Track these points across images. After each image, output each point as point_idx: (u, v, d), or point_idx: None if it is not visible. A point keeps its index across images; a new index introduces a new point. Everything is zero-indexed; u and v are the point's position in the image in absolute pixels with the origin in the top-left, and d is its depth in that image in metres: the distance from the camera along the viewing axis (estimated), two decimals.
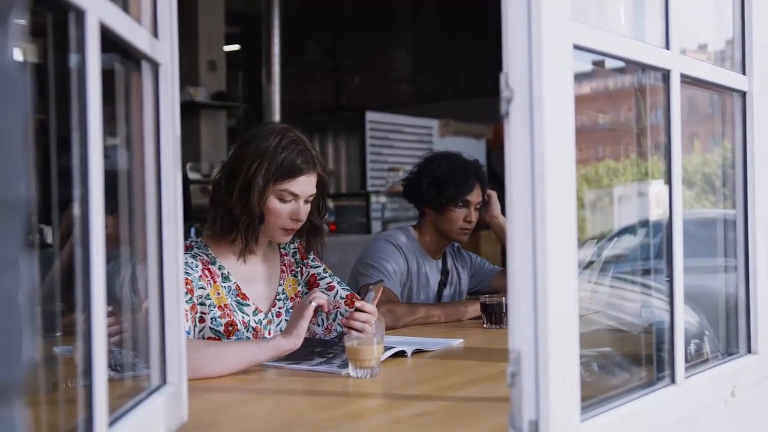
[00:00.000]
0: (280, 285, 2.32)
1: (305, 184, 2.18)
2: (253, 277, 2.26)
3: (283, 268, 2.35)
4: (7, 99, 0.56)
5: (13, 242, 0.57)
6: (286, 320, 2.29)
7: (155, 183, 1.36)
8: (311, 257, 2.40)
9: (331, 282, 2.37)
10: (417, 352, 2.17)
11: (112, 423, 1.09)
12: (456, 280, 3.17)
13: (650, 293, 1.85)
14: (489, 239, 6.61)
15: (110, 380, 1.07)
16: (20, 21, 0.61)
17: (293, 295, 2.34)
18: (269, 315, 2.26)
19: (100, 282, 1.01)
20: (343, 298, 2.33)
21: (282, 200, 2.16)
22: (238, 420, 1.60)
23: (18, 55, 0.59)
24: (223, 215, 2.18)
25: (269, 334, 2.23)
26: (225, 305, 2.16)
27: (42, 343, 1.19)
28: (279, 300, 2.31)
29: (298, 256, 2.39)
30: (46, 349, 1.61)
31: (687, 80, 1.57)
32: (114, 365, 1.32)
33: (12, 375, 0.57)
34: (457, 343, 2.33)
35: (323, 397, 1.72)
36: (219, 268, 2.20)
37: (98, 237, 1.01)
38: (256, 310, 2.22)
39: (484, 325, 2.65)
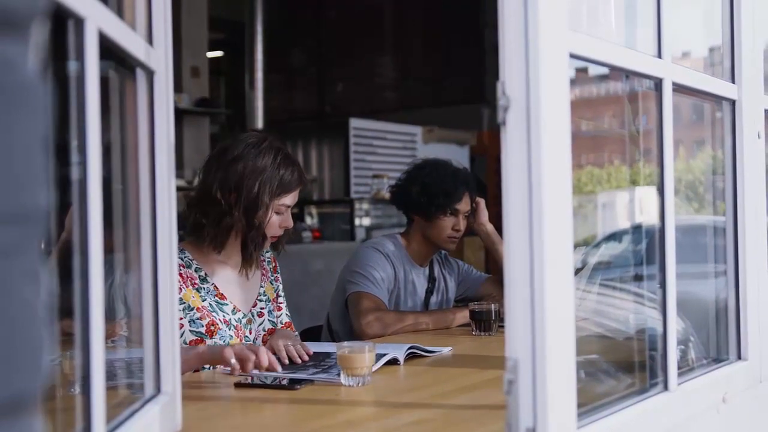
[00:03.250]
0: (262, 287, 2.40)
1: (296, 196, 2.32)
2: (233, 279, 2.33)
3: (263, 272, 2.44)
4: (29, 110, 0.56)
5: (34, 253, 0.57)
6: (269, 320, 2.38)
7: (149, 190, 1.35)
8: (278, 272, 2.52)
9: (282, 303, 2.49)
10: (411, 356, 2.17)
11: None
12: (443, 287, 3.17)
13: (638, 300, 1.86)
14: (473, 246, 6.62)
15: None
16: (40, 31, 0.60)
17: (272, 299, 2.44)
18: (249, 315, 2.33)
19: (98, 290, 1.00)
20: (282, 323, 2.43)
21: (277, 213, 2.27)
22: (230, 429, 1.59)
23: (37, 65, 0.59)
24: (225, 231, 2.23)
25: (250, 333, 2.32)
26: (203, 307, 2.22)
27: None
28: (261, 300, 2.39)
29: (271, 266, 2.49)
30: None
31: (678, 88, 1.58)
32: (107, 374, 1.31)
33: (32, 386, 0.56)
34: (446, 350, 2.33)
35: (316, 405, 1.71)
36: (196, 271, 2.26)
37: (96, 244, 1.00)
38: (234, 309, 2.28)
39: (473, 333, 2.65)
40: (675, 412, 1.53)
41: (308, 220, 7.47)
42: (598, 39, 1.35)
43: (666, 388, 1.51)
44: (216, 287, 2.27)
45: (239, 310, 2.30)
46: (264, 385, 1.85)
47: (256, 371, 1.97)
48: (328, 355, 2.17)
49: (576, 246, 2.17)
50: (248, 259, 2.29)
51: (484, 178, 7.59)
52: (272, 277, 2.47)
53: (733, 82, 1.82)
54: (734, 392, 1.73)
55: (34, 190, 0.57)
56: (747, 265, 1.82)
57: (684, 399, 1.55)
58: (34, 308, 0.56)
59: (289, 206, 2.29)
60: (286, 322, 2.44)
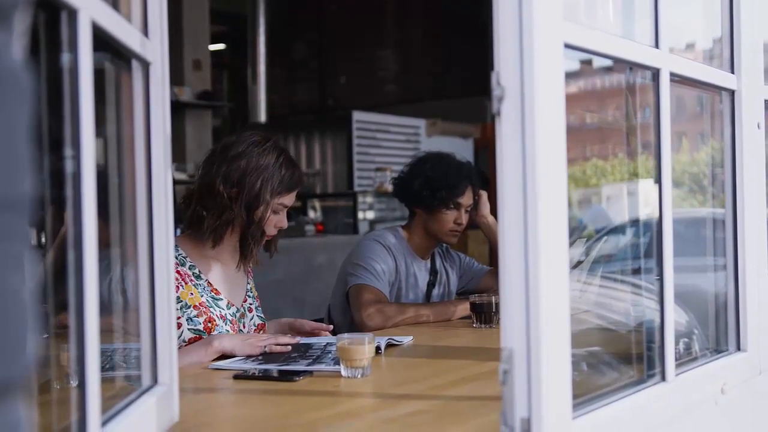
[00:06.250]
0: (248, 283, 2.46)
1: (294, 197, 2.36)
2: (223, 274, 2.36)
3: (249, 270, 2.48)
4: (12, 99, 0.56)
5: (18, 240, 0.58)
6: (258, 316, 2.43)
7: (146, 183, 1.35)
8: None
9: (257, 304, 2.49)
10: (389, 346, 2.22)
11: (104, 423, 1.09)
12: (445, 280, 3.17)
13: (639, 292, 1.86)
14: (477, 239, 6.62)
15: (101, 380, 1.06)
16: (23, 19, 0.61)
17: (256, 296, 2.49)
18: (242, 309, 2.38)
19: (92, 282, 1.00)
20: (255, 326, 2.43)
21: (274, 212, 2.31)
22: (228, 420, 1.60)
23: (21, 54, 0.59)
24: (224, 225, 2.26)
25: (243, 327, 2.36)
26: (200, 303, 2.25)
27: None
28: (249, 297, 2.44)
29: (251, 266, 2.51)
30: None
31: (676, 79, 1.57)
32: (104, 366, 1.31)
33: (17, 372, 0.57)
34: (408, 339, 2.35)
35: (314, 397, 1.72)
36: (189, 268, 2.28)
37: (90, 237, 1.00)
38: (228, 303, 2.32)
39: (474, 325, 2.65)
40: (672, 402, 1.53)
41: (311, 214, 7.48)
42: (593, 29, 1.35)
43: (663, 378, 1.51)
44: (210, 283, 2.30)
45: (233, 305, 2.34)
46: (262, 377, 1.86)
47: (251, 365, 1.98)
48: (309, 346, 2.19)
49: (580, 238, 2.17)
50: (247, 255, 2.32)
51: (488, 171, 7.58)
52: (252, 276, 2.52)
53: (733, 72, 1.81)
54: (733, 383, 1.73)
55: (18, 178, 0.57)
56: (746, 256, 1.82)
57: (681, 390, 1.55)
58: (19, 295, 0.57)
59: (286, 206, 2.33)
60: (259, 324, 2.45)
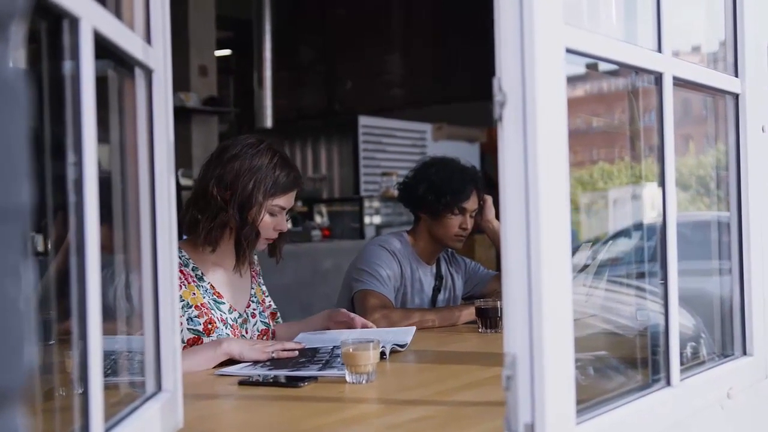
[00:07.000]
0: (252, 288, 2.45)
1: (292, 198, 2.34)
2: (226, 279, 2.36)
3: (253, 274, 2.48)
4: (9, 107, 0.56)
5: (15, 248, 0.58)
6: (261, 321, 2.43)
7: (149, 190, 1.35)
8: (260, 276, 2.55)
9: (268, 298, 2.52)
10: (394, 351, 2.21)
11: (107, 430, 1.09)
12: (450, 285, 3.16)
13: (645, 296, 1.85)
14: (484, 243, 6.61)
15: (105, 387, 1.06)
16: (20, 29, 0.61)
17: (261, 301, 2.47)
18: (244, 314, 2.37)
19: (95, 289, 1.01)
20: (258, 332, 2.43)
21: (271, 214, 2.30)
22: (233, 427, 1.59)
23: (18, 63, 0.60)
24: (219, 227, 2.26)
25: (246, 332, 2.36)
26: (202, 304, 2.25)
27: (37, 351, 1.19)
28: (253, 302, 2.43)
29: (258, 269, 2.53)
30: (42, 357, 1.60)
31: (679, 83, 1.57)
32: (107, 371, 1.31)
33: (14, 381, 0.57)
34: (411, 332, 2.37)
35: (319, 402, 1.72)
36: (192, 270, 2.29)
37: (93, 245, 1.01)
38: (230, 308, 2.32)
39: (479, 330, 2.65)
40: (678, 407, 1.52)
41: (318, 219, 7.48)
42: (595, 33, 1.35)
43: (668, 383, 1.51)
44: (212, 286, 2.30)
45: (235, 310, 2.34)
46: (267, 383, 1.86)
47: (259, 371, 1.97)
48: (316, 350, 2.19)
49: (586, 242, 2.16)
50: (242, 257, 2.31)
51: (494, 175, 7.56)
52: (259, 280, 2.52)
53: (737, 75, 1.81)
54: (739, 388, 1.72)
55: (16, 187, 0.57)
56: (752, 260, 1.81)
57: (687, 394, 1.55)
58: (15, 303, 0.57)
59: (283, 208, 2.31)
60: (271, 313, 2.49)
